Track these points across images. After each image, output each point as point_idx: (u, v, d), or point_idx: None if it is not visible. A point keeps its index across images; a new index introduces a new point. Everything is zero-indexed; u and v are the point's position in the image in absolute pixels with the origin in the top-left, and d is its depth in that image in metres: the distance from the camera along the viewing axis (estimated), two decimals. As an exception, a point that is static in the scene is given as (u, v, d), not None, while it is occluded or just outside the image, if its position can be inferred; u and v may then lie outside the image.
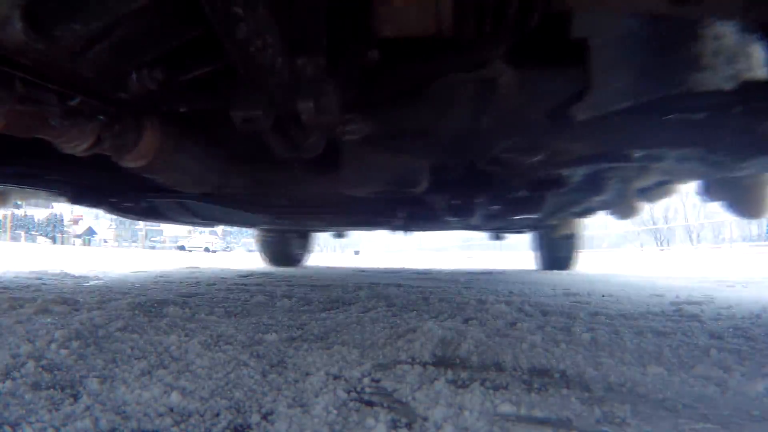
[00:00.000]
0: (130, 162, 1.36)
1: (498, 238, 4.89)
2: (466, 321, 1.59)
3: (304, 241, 5.98)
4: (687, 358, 1.12)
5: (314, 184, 1.58)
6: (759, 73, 1.77)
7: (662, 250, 29.24)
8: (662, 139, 1.36)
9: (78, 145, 1.23)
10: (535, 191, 1.85)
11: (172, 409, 0.77)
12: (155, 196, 2.10)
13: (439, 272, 5.12)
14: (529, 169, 1.46)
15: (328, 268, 5.91)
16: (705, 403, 0.84)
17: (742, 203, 2.08)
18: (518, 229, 4.37)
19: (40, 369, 0.94)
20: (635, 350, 1.19)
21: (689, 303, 2.12)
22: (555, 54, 1.23)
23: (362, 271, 5.22)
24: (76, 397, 0.81)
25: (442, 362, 1.09)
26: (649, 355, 1.14)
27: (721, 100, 1.38)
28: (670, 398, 0.86)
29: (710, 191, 2.22)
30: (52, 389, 0.84)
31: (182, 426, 0.70)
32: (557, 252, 5.32)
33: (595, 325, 1.54)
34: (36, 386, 0.86)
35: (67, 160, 1.76)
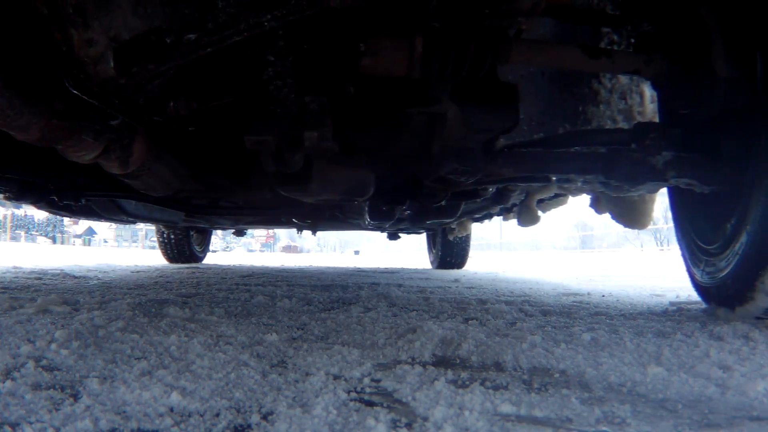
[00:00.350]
0: (121, 169, 1.53)
1: (395, 237, 5.28)
2: (466, 321, 1.59)
3: (203, 239, 6.29)
4: (687, 358, 1.12)
5: (277, 192, 1.79)
6: (649, 109, 2.18)
7: (662, 250, 29.23)
8: (573, 167, 1.68)
9: (86, 155, 1.34)
10: (453, 200, 2.13)
11: (172, 409, 0.77)
12: (93, 195, 2.26)
13: (438, 271, 5.12)
14: (463, 185, 1.75)
15: (329, 267, 5.91)
16: (705, 403, 0.84)
17: (627, 215, 2.43)
18: (417, 230, 4.86)
19: (40, 369, 0.94)
20: (635, 350, 1.19)
21: (689, 303, 2.12)
22: (490, 95, 1.53)
23: (362, 271, 5.22)
24: (76, 397, 0.80)
25: (442, 362, 1.09)
26: (649, 355, 1.14)
27: (620, 138, 1.70)
28: (670, 398, 0.86)
29: (599, 204, 2.60)
30: (52, 389, 0.84)
31: (182, 426, 0.70)
32: (452, 251, 5.76)
33: (595, 325, 1.54)
34: (36, 386, 0.86)
35: (12, 157, 1.88)
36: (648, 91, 2.22)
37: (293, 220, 3.40)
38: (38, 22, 0.96)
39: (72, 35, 0.96)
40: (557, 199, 2.96)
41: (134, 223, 3.54)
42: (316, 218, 3.31)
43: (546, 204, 3.02)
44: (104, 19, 0.96)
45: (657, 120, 2.07)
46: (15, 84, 1.07)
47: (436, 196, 1.94)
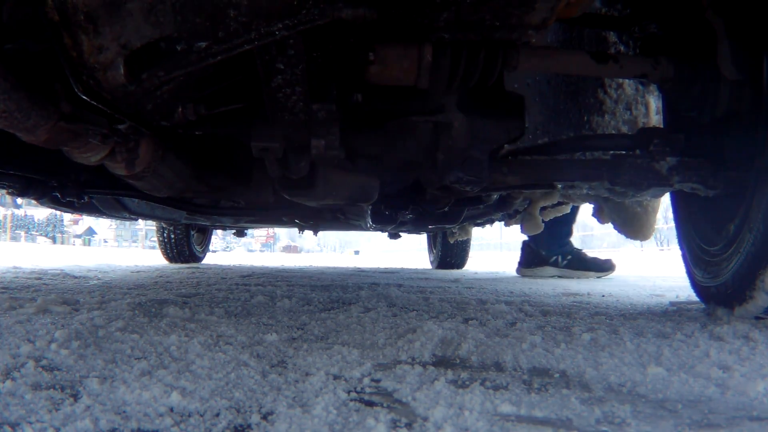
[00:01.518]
0: (126, 171, 1.54)
1: (396, 237, 5.33)
2: (466, 321, 1.59)
3: (204, 239, 6.30)
4: (687, 358, 1.12)
5: (279, 194, 1.79)
6: (654, 120, 2.20)
7: (662, 250, 29.22)
8: (578, 173, 1.69)
9: (92, 157, 1.35)
10: (456, 206, 2.14)
11: (172, 409, 0.77)
12: (96, 192, 2.26)
13: (438, 271, 5.12)
14: (467, 193, 1.76)
15: (328, 268, 5.91)
16: (705, 403, 0.84)
17: (630, 225, 2.47)
18: (416, 231, 4.90)
19: (40, 369, 0.94)
20: (635, 350, 1.19)
21: (689, 303, 2.12)
22: (496, 105, 1.54)
23: (362, 271, 5.21)
24: (76, 397, 0.81)
25: (442, 362, 1.09)
26: (649, 356, 1.14)
27: (624, 143, 1.74)
28: (670, 398, 0.86)
29: (602, 213, 2.64)
30: (52, 389, 0.84)
31: (182, 426, 0.70)
32: (452, 252, 5.79)
33: (595, 325, 1.54)
34: (36, 386, 0.86)
35: (16, 154, 1.89)
36: (653, 102, 2.23)
37: (295, 220, 3.42)
38: (49, 27, 0.96)
39: (82, 41, 0.96)
40: (559, 206, 2.99)
41: (136, 220, 3.55)
42: (318, 219, 3.33)
43: (548, 211, 3.05)
44: (115, 27, 0.96)
45: None
46: (24, 86, 1.08)
47: (439, 202, 1.95)
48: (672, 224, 2.17)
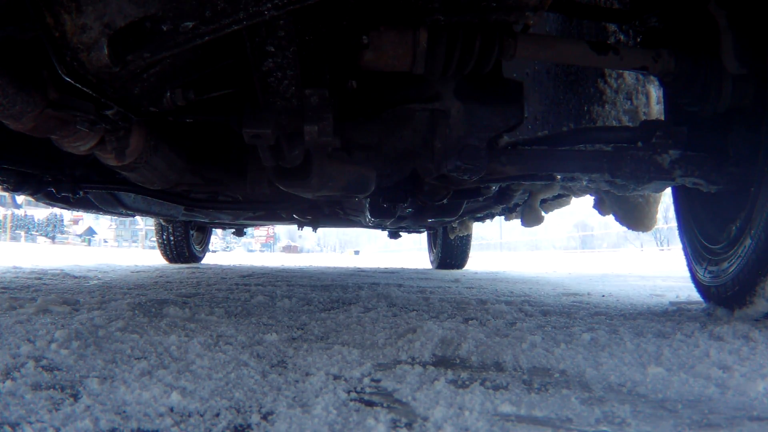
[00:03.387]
0: (117, 161, 1.51)
1: (396, 236, 5.30)
2: (466, 321, 1.59)
3: (203, 238, 6.32)
4: (687, 358, 1.12)
5: (276, 187, 1.77)
6: (655, 111, 2.19)
7: (662, 250, 29.23)
8: (578, 165, 1.67)
9: (81, 146, 1.32)
10: (455, 199, 2.13)
11: (172, 409, 0.77)
12: (90, 187, 2.24)
13: (438, 271, 5.12)
14: (466, 183, 1.74)
15: (329, 267, 5.91)
16: (705, 403, 0.84)
17: (631, 217, 2.47)
18: (418, 228, 4.84)
19: (40, 369, 0.94)
20: (635, 350, 1.19)
21: (689, 303, 2.12)
22: (494, 92, 1.52)
23: (362, 271, 5.21)
24: (76, 397, 0.80)
25: (442, 362, 1.09)
26: (649, 356, 1.14)
27: (626, 136, 1.70)
28: (670, 398, 0.86)
29: (603, 205, 2.64)
30: (52, 389, 0.84)
31: (182, 426, 0.70)
32: (452, 251, 5.74)
33: (595, 325, 1.54)
34: (36, 386, 0.86)
35: (10, 148, 1.88)
36: (654, 92, 2.22)
37: (293, 215, 3.38)
38: (32, 7, 0.93)
39: (65, 21, 0.93)
40: (560, 199, 2.97)
41: (132, 216, 3.51)
42: (317, 214, 3.30)
43: (549, 204, 3.03)
44: (98, 5, 0.93)
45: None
46: (8, 72, 1.06)
47: (438, 194, 1.92)
48: (672, 224, 2.17)
